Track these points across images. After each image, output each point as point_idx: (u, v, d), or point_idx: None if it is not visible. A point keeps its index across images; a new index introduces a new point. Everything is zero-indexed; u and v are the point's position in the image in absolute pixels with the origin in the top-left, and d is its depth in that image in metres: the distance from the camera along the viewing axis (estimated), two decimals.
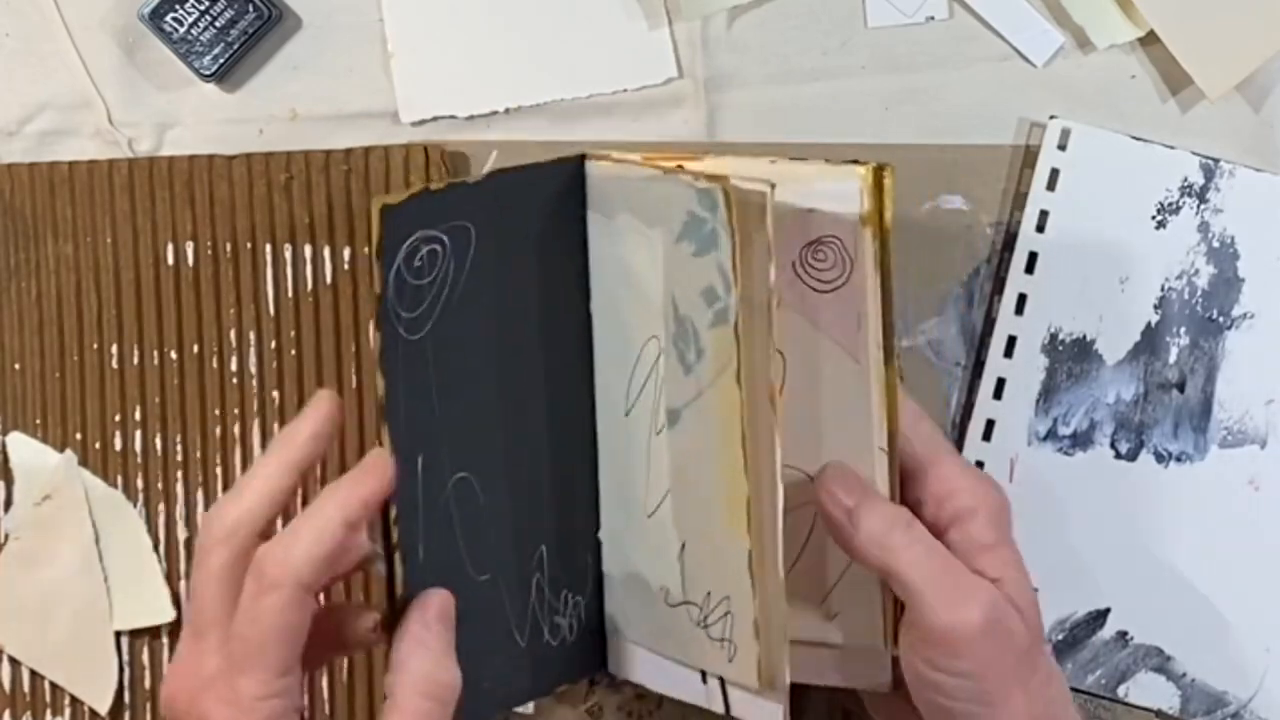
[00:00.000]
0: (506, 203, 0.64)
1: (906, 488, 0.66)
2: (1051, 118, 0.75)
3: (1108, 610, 0.74)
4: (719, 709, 0.67)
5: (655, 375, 0.65)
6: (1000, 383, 0.75)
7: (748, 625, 0.64)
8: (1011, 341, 0.75)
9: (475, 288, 0.64)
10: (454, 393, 0.64)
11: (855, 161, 0.63)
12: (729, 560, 0.64)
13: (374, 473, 0.61)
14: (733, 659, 0.65)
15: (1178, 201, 0.75)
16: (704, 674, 0.67)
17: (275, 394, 0.75)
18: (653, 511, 0.67)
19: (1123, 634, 0.75)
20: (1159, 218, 0.75)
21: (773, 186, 0.60)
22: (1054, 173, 0.75)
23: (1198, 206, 0.75)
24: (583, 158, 0.66)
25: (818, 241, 0.64)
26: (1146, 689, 0.75)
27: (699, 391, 0.64)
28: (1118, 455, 0.75)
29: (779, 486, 0.62)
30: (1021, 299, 0.75)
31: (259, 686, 0.58)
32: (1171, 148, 0.75)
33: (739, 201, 0.60)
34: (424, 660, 0.61)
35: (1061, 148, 0.75)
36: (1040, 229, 0.75)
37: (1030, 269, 0.75)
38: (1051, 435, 0.75)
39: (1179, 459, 0.75)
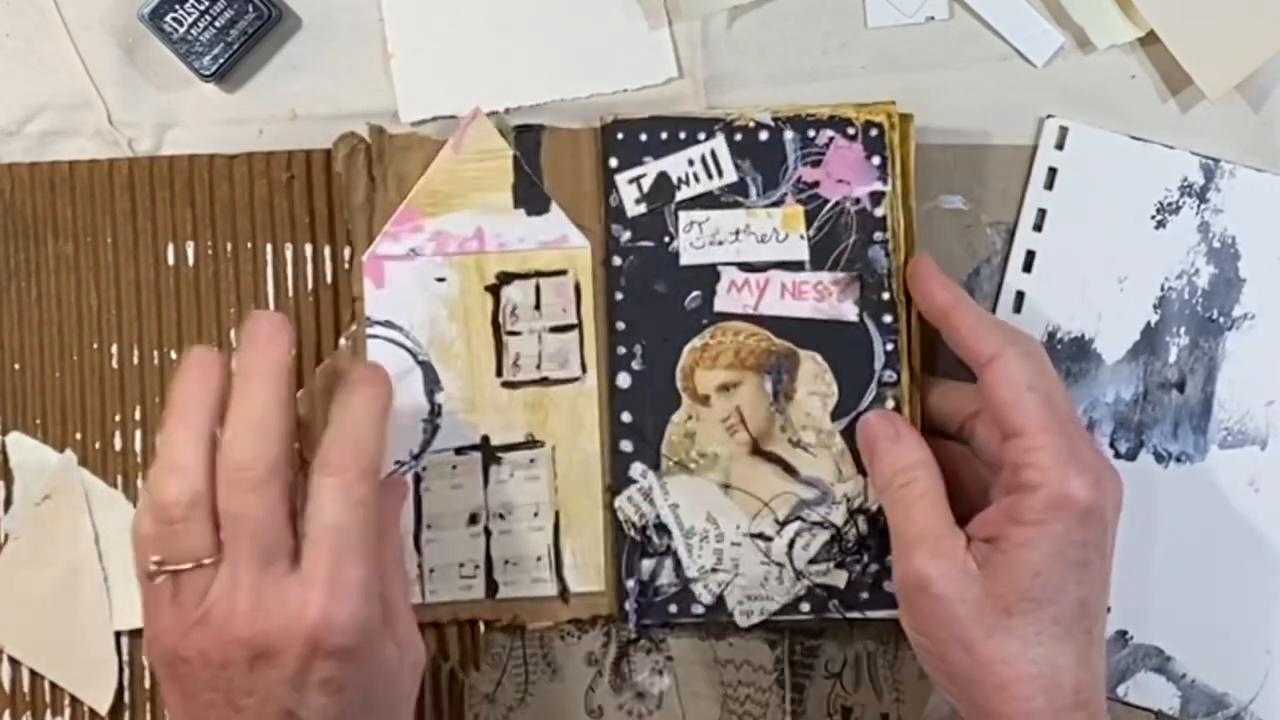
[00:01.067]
0: None
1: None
2: (1048, 117, 0.75)
3: (1107, 610, 0.74)
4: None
5: None
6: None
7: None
8: None
9: None
10: None
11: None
12: None
13: (378, 375, 0.65)
14: None
15: (1178, 201, 0.75)
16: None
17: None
18: None
19: (1122, 634, 0.75)
20: (1158, 217, 0.75)
21: None
22: (1051, 172, 0.75)
23: (1198, 206, 0.75)
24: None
25: None
26: (1146, 689, 0.75)
27: None
28: (1117, 455, 0.75)
29: None
30: (1020, 297, 0.75)
31: (367, 571, 0.61)
32: (1171, 148, 0.75)
33: None
34: None
35: (1059, 147, 0.75)
36: (1038, 228, 0.75)
37: (1028, 268, 0.75)
38: None
39: (1179, 459, 0.75)
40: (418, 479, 0.73)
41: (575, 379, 0.73)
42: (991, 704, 0.63)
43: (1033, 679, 0.63)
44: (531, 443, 0.73)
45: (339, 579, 0.60)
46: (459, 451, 0.73)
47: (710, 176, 0.72)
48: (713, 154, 0.72)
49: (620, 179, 0.72)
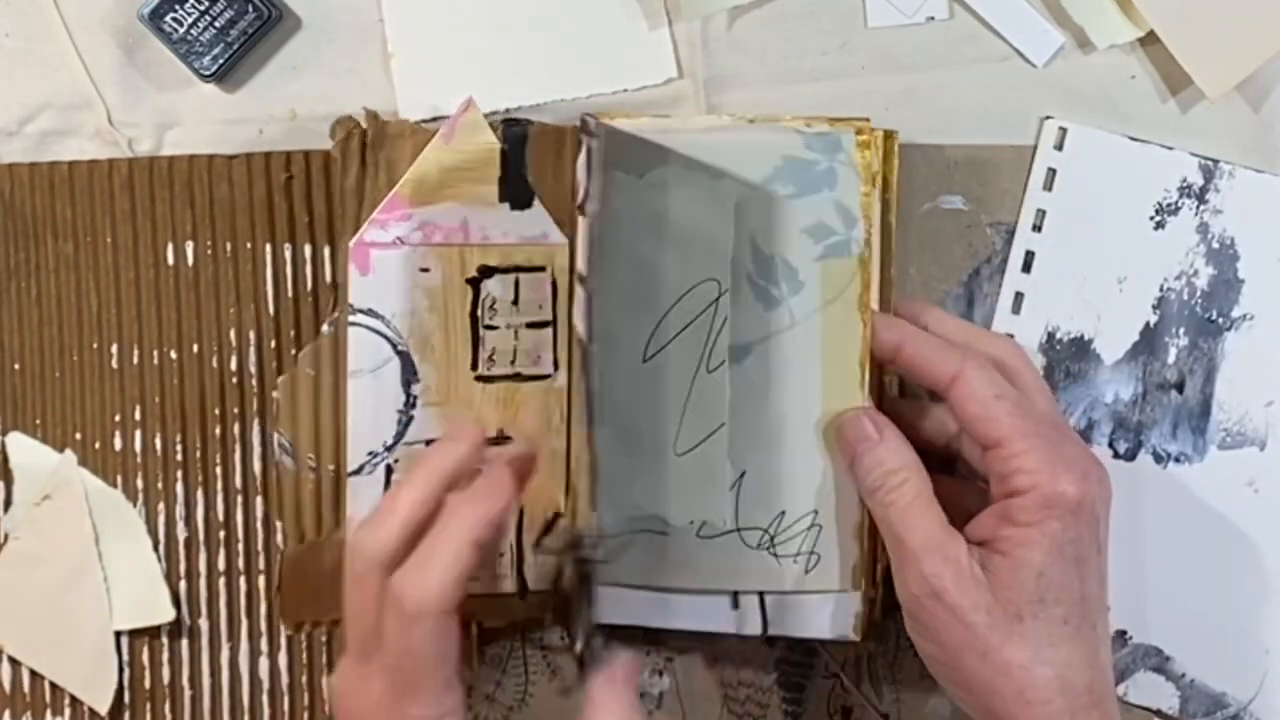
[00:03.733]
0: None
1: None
2: (1048, 118, 0.75)
3: (1107, 607, 0.74)
4: (752, 630, 0.71)
5: (711, 316, 0.70)
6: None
7: (849, 530, 0.70)
8: None
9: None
10: None
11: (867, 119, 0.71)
12: (826, 475, 0.70)
13: (497, 490, 0.63)
14: (812, 569, 0.70)
15: (1176, 202, 0.75)
16: (735, 599, 0.71)
17: (275, 394, 0.75)
18: (687, 450, 0.71)
19: (1122, 634, 0.75)
20: (1158, 218, 0.75)
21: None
22: (1051, 173, 0.75)
23: (1197, 207, 0.75)
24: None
25: None
26: (1146, 689, 0.75)
27: (791, 322, 0.70)
28: (1116, 455, 0.75)
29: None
30: (1018, 298, 0.75)
31: (428, 709, 0.61)
32: (1170, 148, 0.75)
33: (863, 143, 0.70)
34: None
35: (1058, 148, 0.75)
36: (1037, 228, 0.75)
37: (1027, 268, 0.75)
38: None
39: (1178, 460, 0.75)
40: (389, 470, 0.72)
41: (546, 376, 0.73)
42: (1011, 710, 0.63)
43: (1049, 681, 0.63)
44: (502, 439, 0.73)
45: (400, 714, 0.61)
46: (430, 444, 0.73)
47: None
48: None
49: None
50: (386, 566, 0.61)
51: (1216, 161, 0.75)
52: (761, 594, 0.71)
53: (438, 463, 0.63)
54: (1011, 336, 0.74)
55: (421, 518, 0.62)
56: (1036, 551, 0.63)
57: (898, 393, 0.74)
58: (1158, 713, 0.76)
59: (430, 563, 0.61)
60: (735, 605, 0.71)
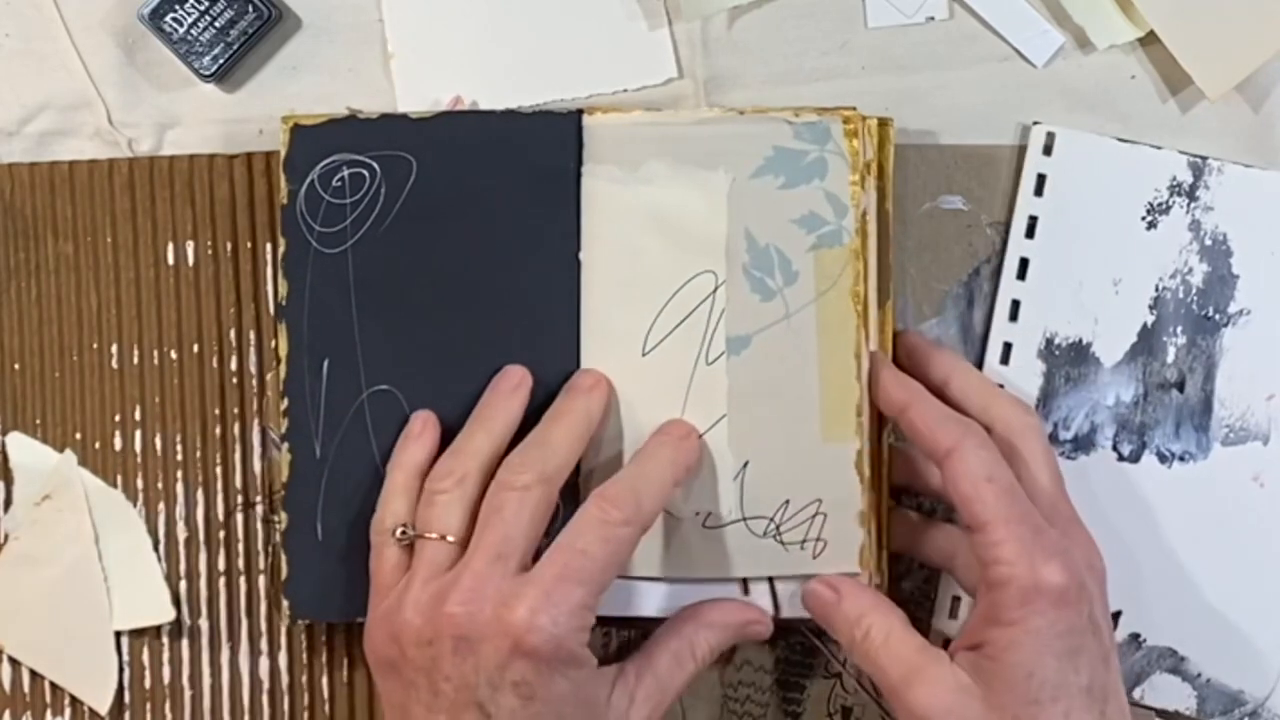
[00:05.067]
0: (471, 145, 0.71)
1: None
2: (1035, 123, 0.75)
3: (1119, 614, 0.74)
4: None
5: (709, 308, 0.71)
6: (998, 386, 0.75)
7: (852, 517, 0.70)
8: (1007, 348, 0.75)
9: (418, 218, 0.71)
10: (378, 312, 0.71)
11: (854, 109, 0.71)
12: (827, 464, 0.70)
13: (691, 439, 0.70)
14: (820, 555, 0.70)
15: (1167, 201, 0.75)
16: (745, 586, 0.71)
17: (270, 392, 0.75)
18: None
19: (1135, 636, 0.75)
20: (1149, 218, 0.75)
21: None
22: (1040, 178, 0.75)
23: (1188, 205, 0.75)
24: (579, 113, 0.71)
25: None
26: (1162, 691, 0.75)
27: (786, 313, 0.70)
28: (1120, 457, 0.75)
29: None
30: (1015, 305, 0.75)
31: (587, 598, 0.63)
32: (1158, 148, 0.75)
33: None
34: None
35: (1046, 152, 0.75)
36: (1030, 234, 0.75)
37: (1022, 275, 0.75)
38: (1053, 440, 0.75)
39: (1182, 458, 0.75)
40: None
41: None
42: None
43: None
44: None
45: (558, 590, 0.63)
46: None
47: None
48: None
49: None
50: (553, 483, 0.66)
51: (1205, 159, 0.75)
52: (771, 579, 0.71)
53: (585, 404, 0.69)
54: (1031, 408, 0.72)
55: (578, 453, 0.68)
56: (1023, 653, 0.63)
57: None
58: (1175, 714, 0.75)
59: (646, 476, 0.67)
60: (745, 592, 0.71)
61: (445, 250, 0.71)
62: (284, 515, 0.71)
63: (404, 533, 0.67)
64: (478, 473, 0.67)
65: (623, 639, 0.75)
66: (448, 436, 0.70)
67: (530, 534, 0.65)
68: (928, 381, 0.70)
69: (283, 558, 0.71)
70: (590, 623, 0.64)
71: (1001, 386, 0.74)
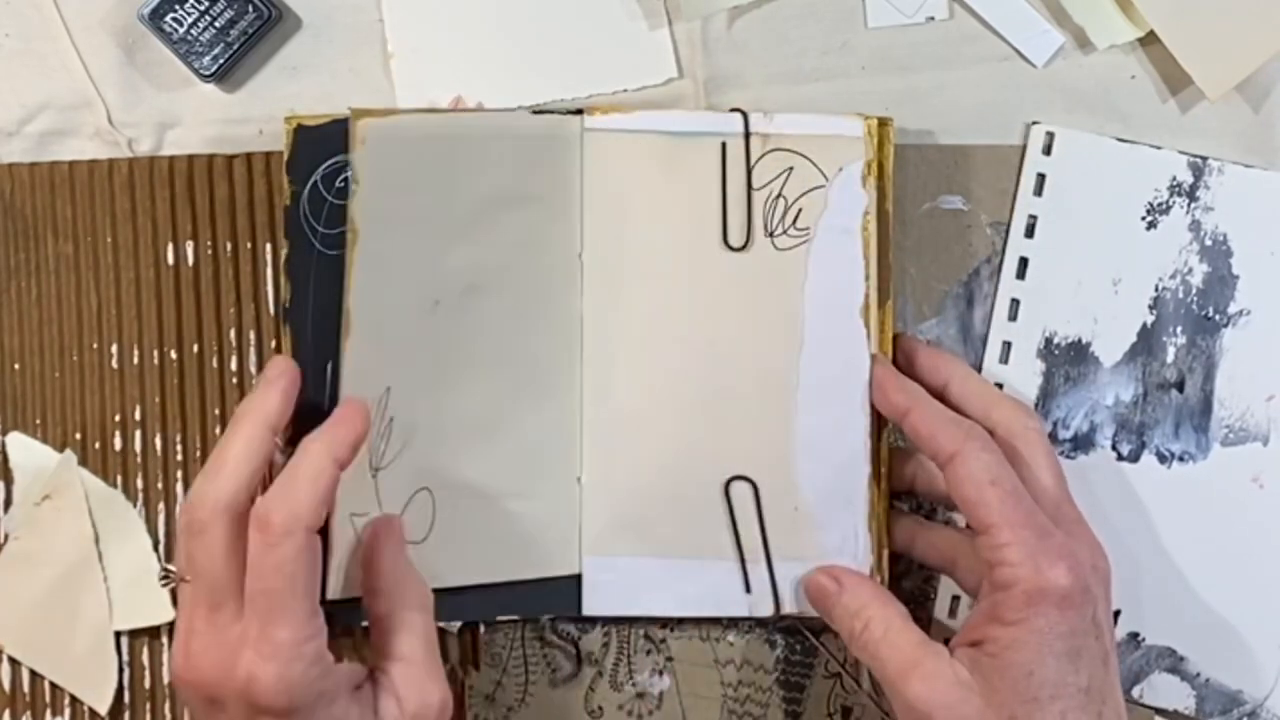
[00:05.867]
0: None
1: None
2: (1035, 123, 0.75)
3: (1118, 613, 0.74)
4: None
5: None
6: (997, 388, 0.75)
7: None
8: (1007, 348, 0.75)
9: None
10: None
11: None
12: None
13: (354, 416, 0.65)
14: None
15: (1167, 201, 0.75)
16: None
17: None
18: None
19: (1134, 636, 0.75)
20: (1149, 218, 0.75)
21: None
22: (1040, 178, 0.75)
23: (1188, 205, 0.75)
24: (580, 113, 0.72)
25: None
26: (1161, 690, 0.75)
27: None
28: (1120, 457, 0.75)
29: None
30: (1014, 304, 0.75)
31: (296, 632, 0.60)
32: (1158, 148, 0.75)
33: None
34: (409, 576, 0.66)
35: (1046, 152, 0.75)
36: (1029, 234, 0.75)
37: (1022, 275, 0.75)
38: (1052, 439, 0.75)
39: (1181, 459, 0.75)
40: None
41: None
42: None
43: None
44: None
45: (264, 642, 0.60)
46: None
47: None
48: None
49: None
50: (231, 511, 0.62)
51: (1205, 159, 0.75)
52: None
53: (259, 407, 0.65)
54: (1032, 410, 0.72)
55: (257, 464, 0.63)
56: (1024, 652, 0.63)
57: None
58: (1174, 713, 0.75)
59: (296, 481, 0.62)
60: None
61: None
62: None
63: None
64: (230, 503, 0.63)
65: (622, 638, 0.75)
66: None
67: (232, 567, 0.62)
68: (927, 385, 0.70)
69: None
70: (316, 650, 0.61)
71: (1000, 387, 0.74)
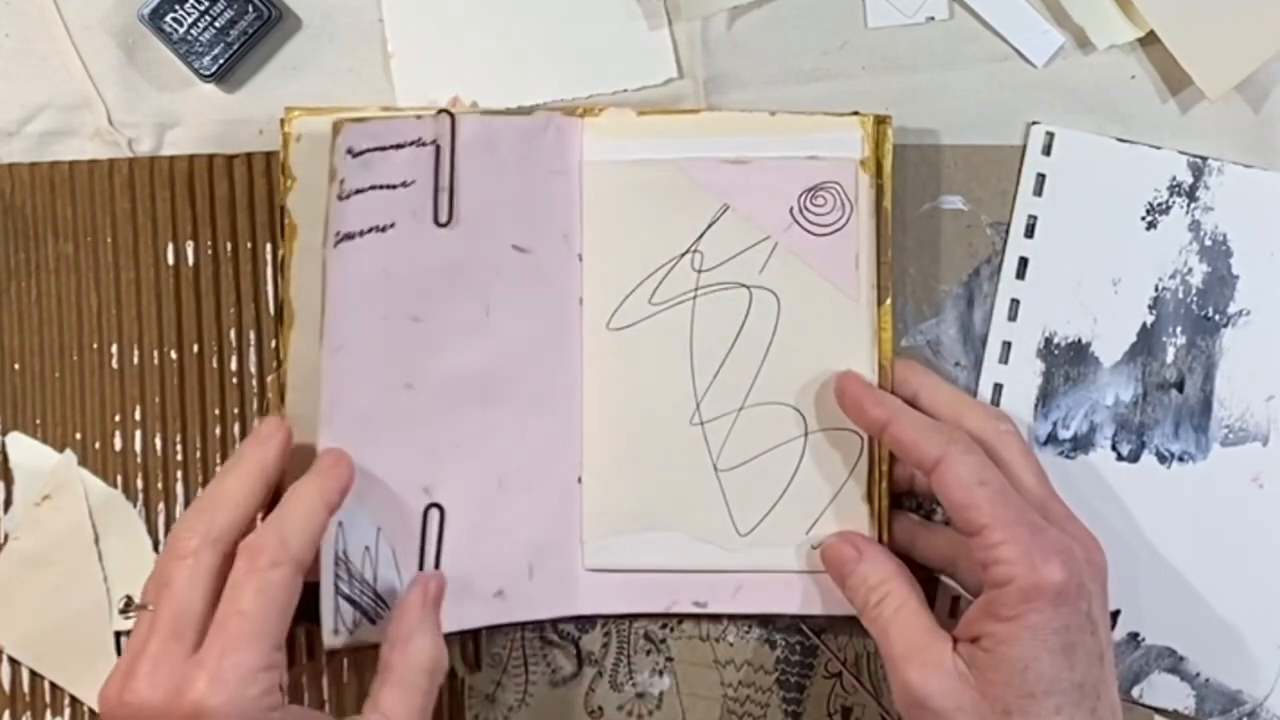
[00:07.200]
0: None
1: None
2: (1034, 123, 0.75)
3: (1117, 613, 0.74)
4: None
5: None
6: (997, 388, 0.75)
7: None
8: (1006, 347, 0.75)
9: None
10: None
11: (856, 113, 0.73)
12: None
13: (339, 464, 0.66)
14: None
15: (1167, 201, 0.75)
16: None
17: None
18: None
19: (1134, 635, 0.75)
20: (1149, 218, 0.75)
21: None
22: (1040, 178, 0.75)
23: (1188, 205, 0.75)
24: (580, 113, 0.73)
25: (818, 187, 0.72)
26: (1160, 690, 0.75)
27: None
28: (1119, 457, 0.75)
29: None
30: (1014, 304, 0.75)
31: (259, 659, 0.61)
32: (1158, 148, 0.75)
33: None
34: (426, 637, 0.66)
35: (1046, 152, 0.75)
36: (1029, 234, 0.75)
37: (1021, 274, 0.75)
38: (1052, 439, 0.75)
39: (1181, 459, 0.75)
40: None
41: None
42: None
43: None
44: None
45: (226, 665, 0.60)
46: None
47: None
48: None
49: None
50: (220, 544, 0.63)
51: (1205, 159, 0.75)
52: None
53: (258, 456, 0.66)
54: (1007, 416, 0.72)
55: (252, 508, 0.65)
56: (1019, 647, 0.63)
57: None
58: (1174, 713, 0.75)
59: (288, 518, 0.63)
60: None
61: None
62: None
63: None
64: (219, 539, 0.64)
65: (622, 639, 0.75)
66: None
67: (207, 599, 0.62)
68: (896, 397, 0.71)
69: None
70: (276, 679, 0.62)
71: (1000, 387, 0.74)
